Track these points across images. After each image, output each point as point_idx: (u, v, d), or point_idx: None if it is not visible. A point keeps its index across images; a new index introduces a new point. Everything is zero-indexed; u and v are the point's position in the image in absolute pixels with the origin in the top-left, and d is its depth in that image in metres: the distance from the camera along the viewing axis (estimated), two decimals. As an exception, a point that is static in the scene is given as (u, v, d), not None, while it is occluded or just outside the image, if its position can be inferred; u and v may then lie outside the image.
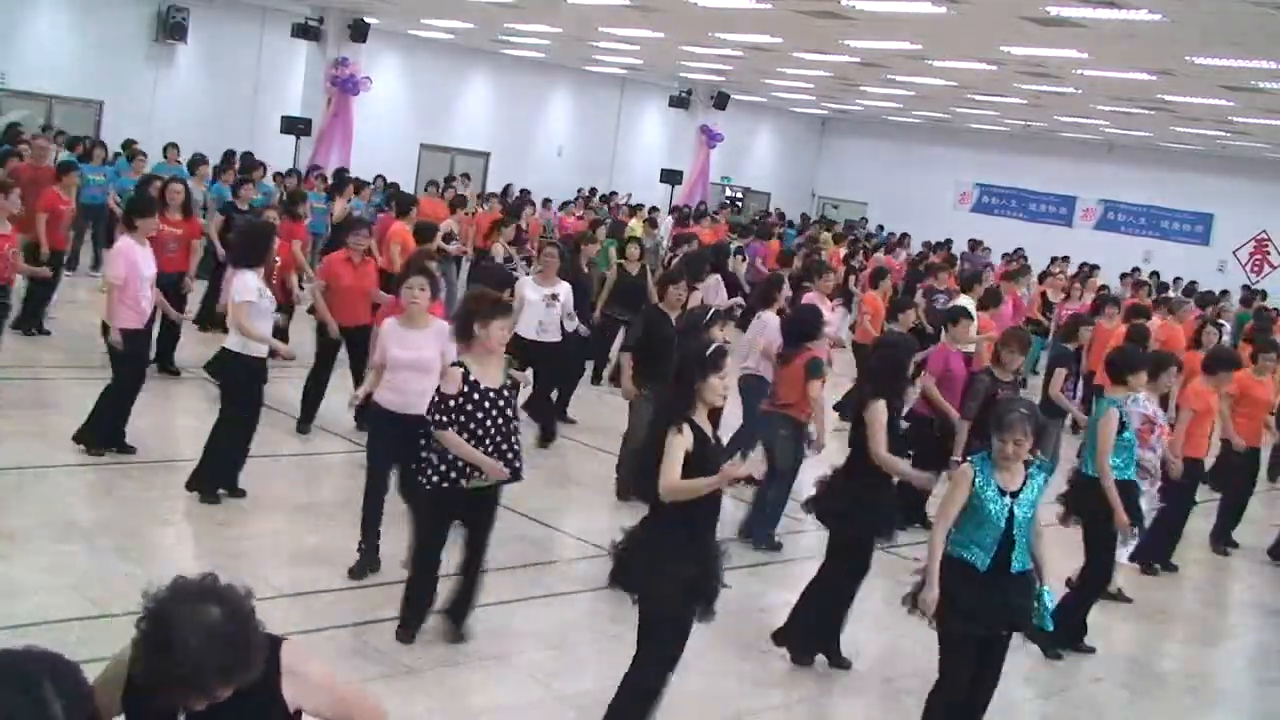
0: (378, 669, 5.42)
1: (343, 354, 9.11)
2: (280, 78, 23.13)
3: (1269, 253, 27.14)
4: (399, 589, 6.10)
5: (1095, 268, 22.27)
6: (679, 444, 4.60)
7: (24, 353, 10.45)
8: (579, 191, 25.66)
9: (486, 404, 5.41)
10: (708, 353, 4.75)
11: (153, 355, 9.14)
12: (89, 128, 20.70)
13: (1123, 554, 7.96)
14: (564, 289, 9.64)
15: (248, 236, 7.67)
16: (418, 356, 6.21)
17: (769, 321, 8.82)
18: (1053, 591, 5.23)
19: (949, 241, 22.69)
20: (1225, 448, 9.46)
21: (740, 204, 31.34)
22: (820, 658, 6.16)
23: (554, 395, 10.28)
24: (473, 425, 5.38)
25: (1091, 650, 6.84)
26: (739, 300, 13.48)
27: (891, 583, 6.40)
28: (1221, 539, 9.58)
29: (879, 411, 5.98)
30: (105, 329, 7.75)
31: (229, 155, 17.68)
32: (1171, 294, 19.01)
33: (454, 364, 5.50)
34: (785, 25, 15.74)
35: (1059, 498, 7.07)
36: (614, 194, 25.63)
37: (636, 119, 30.55)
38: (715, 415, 5.42)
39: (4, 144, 15.38)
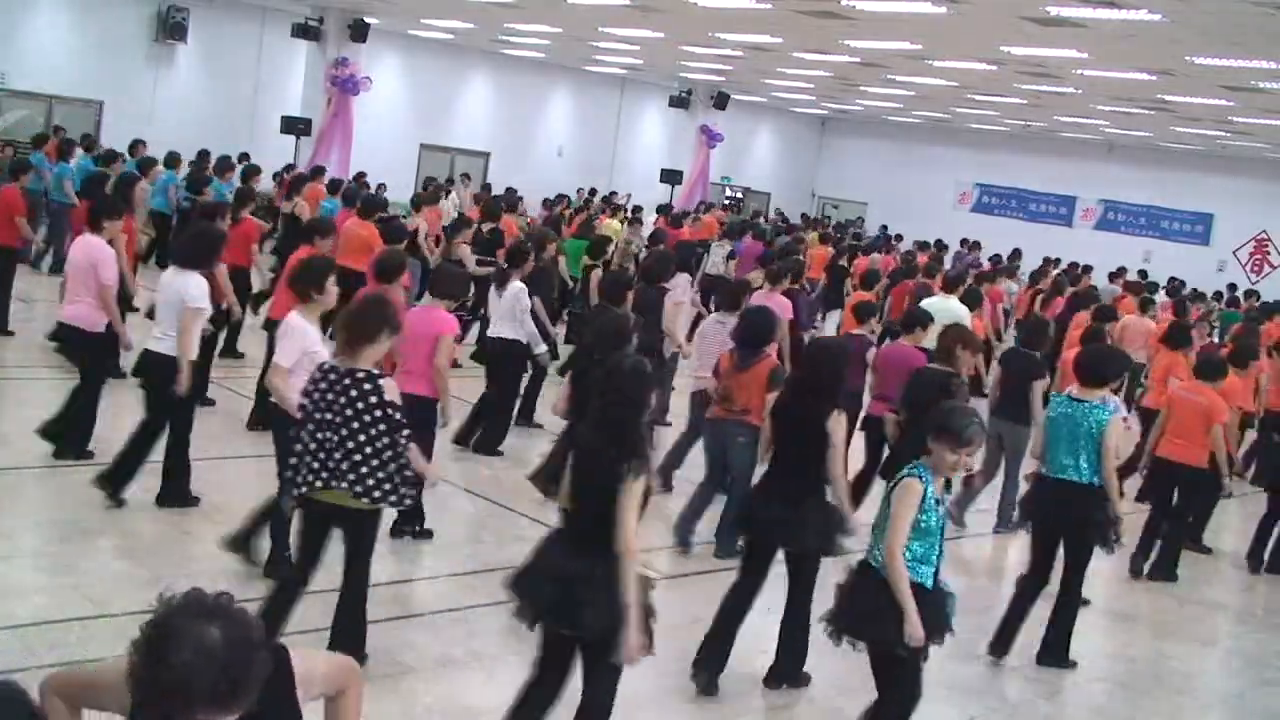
0: (378, 669, 5.42)
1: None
2: (280, 78, 23.14)
3: (1269, 253, 27.15)
4: (399, 589, 6.13)
5: (1088, 268, 22.32)
6: (637, 493, 4.22)
7: (24, 353, 10.46)
8: (578, 191, 25.65)
9: None
10: (647, 367, 4.50)
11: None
12: (89, 128, 20.72)
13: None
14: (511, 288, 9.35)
15: (199, 240, 7.36)
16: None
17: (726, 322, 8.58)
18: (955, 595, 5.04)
19: (939, 241, 22.80)
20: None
21: (741, 204, 31.33)
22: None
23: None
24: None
25: (1074, 665, 6.65)
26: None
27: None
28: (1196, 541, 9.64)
29: (841, 427, 5.67)
30: (69, 333, 7.65)
31: (213, 155, 17.69)
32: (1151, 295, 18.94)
33: (382, 374, 5.11)
34: (785, 25, 15.74)
35: (1021, 504, 7.02)
36: (614, 194, 25.61)
37: (636, 119, 30.55)
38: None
39: None
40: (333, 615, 5.23)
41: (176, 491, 7.10)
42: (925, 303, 11.64)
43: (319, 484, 4.99)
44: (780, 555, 5.87)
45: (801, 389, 5.84)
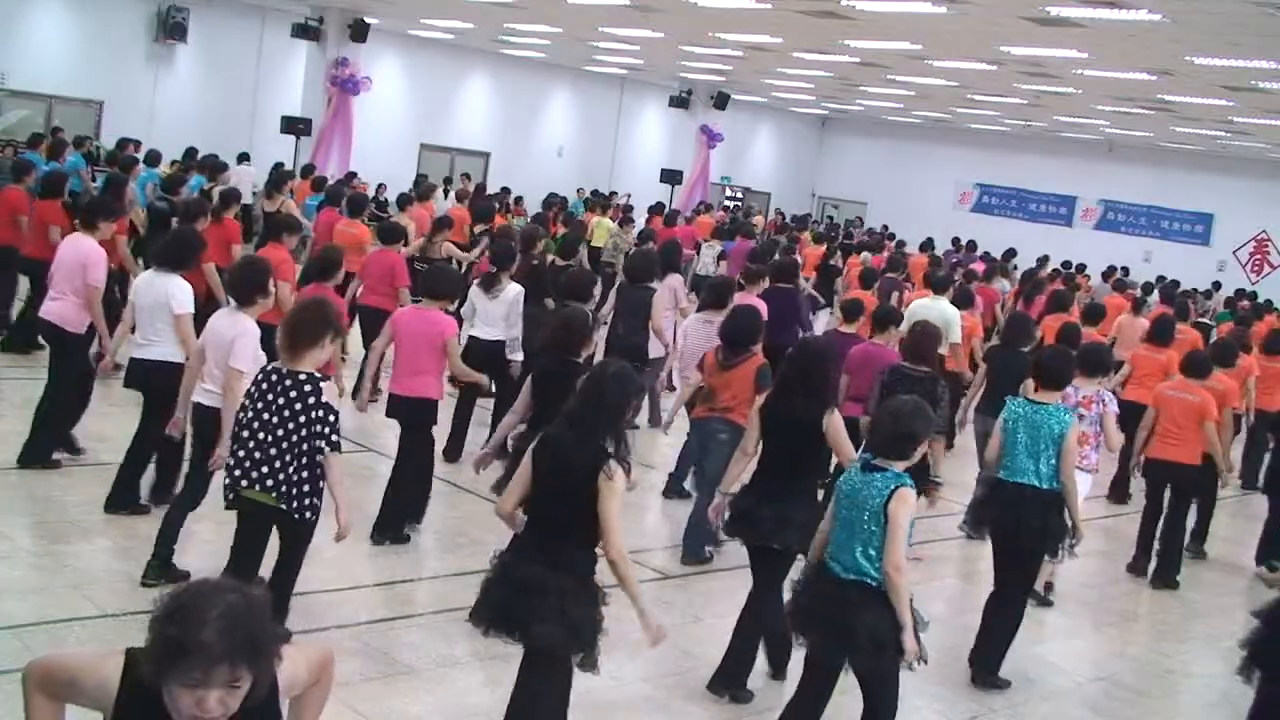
0: (378, 669, 5.43)
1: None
2: (280, 78, 23.14)
3: (1269, 253, 27.15)
4: (399, 589, 6.12)
5: (1081, 267, 22.38)
6: (618, 494, 4.15)
7: (24, 352, 10.46)
8: (578, 191, 25.65)
9: None
10: (631, 373, 4.42)
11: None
12: (89, 128, 20.73)
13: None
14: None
15: (180, 243, 7.11)
16: None
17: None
18: None
19: (927, 241, 22.93)
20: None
21: (741, 207, 31.30)
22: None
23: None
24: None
25: (1007, 685, 6.36)
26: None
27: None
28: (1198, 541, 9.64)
29: (838, 425, 5.68)
30: (65, 338, 7.53)
31: (216, 156, 17.70)
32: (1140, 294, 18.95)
33: (325, 377, 5.09)
34: (785, 25, 15.75)
35: (973, 510, 6.96)
36: (614, 194, 25.62)
37: (636, 119, 30.55)
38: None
39: None
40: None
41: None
42: (915, 304, 11.63)
43: (248, 485, 5.01)
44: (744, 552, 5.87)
45: (791, 389, 5.76)
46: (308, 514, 5.08)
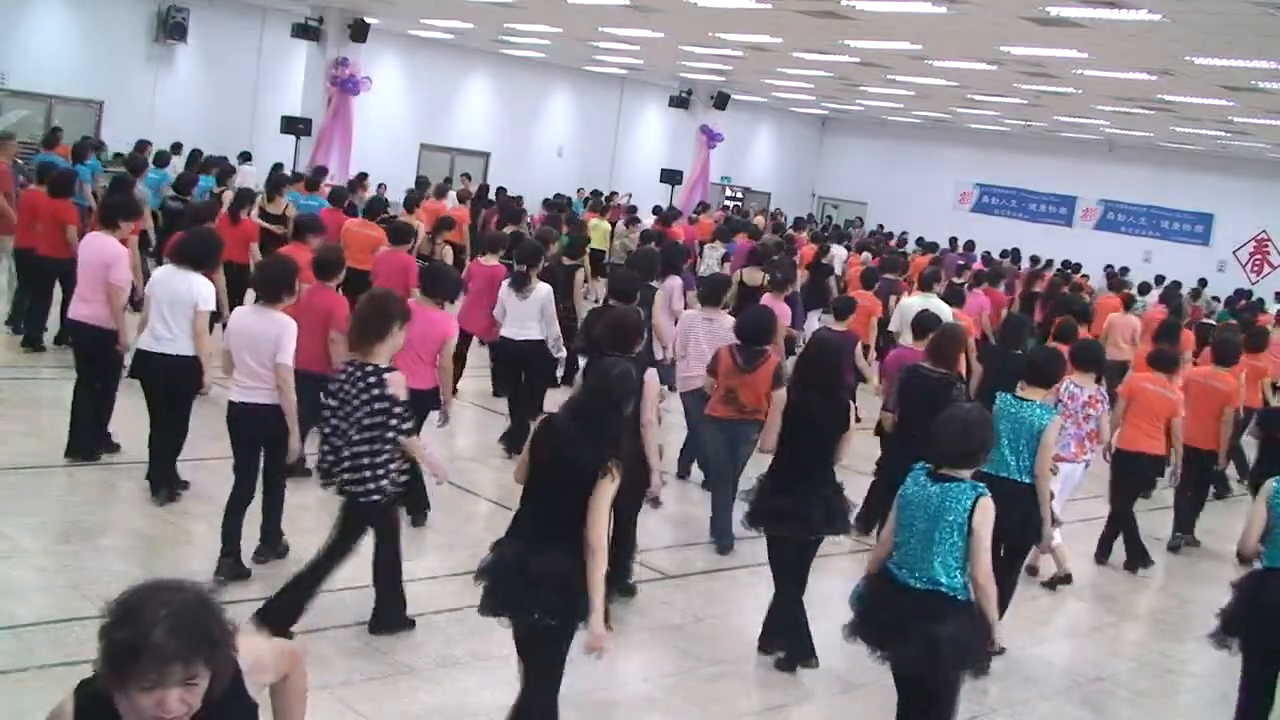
0: (378, 669, 5.43)
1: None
2: (280, 78, 23.14)
3: (1269, 253, 27.15)
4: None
5: (1077, 267, 22.38)
6: (611, 491, 4.25)
7: (23, 354, 10.46)
8: (578, 191, 25.65)
9: None
10: (630, 373, 4.54)
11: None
12: (89, 128, 20.72)
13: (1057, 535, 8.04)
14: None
15: (204, 242, 7.31)
16: None
17: (725, 323, 8.55)
18: None
19: (920, 240, 22.95)
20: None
21: (741, 207, 31.28)
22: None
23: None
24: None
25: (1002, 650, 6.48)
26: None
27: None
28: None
29: (851, 419, 6.00)
30: (93, 336, 7.60)
31: (216, 155, 17.74)
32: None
33: (391, 369, 5.37)
34: (785, 25, 15.75)
35: None
36: (614, 194, 25.62)
37: (636, 119, 30.55)
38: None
39: None
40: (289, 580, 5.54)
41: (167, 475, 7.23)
42: (905, 302, 11.66)
43: (334, 471, 5.37)
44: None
45: (811, 385, 6.00)
46: (375, 497, 5.35)
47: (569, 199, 23.12)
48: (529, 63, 27.36)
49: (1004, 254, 23.68)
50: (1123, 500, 8.77)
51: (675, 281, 10.87)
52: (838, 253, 19.54)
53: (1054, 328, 10.16)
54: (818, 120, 34.86)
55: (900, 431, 7.36)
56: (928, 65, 18.04)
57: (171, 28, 21.77)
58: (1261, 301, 21.24)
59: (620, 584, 6.68)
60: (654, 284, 10.29)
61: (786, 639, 6.05)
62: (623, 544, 6.60)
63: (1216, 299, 22.58)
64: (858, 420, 6.40)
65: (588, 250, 12.96)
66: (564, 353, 9.50)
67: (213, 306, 6.93)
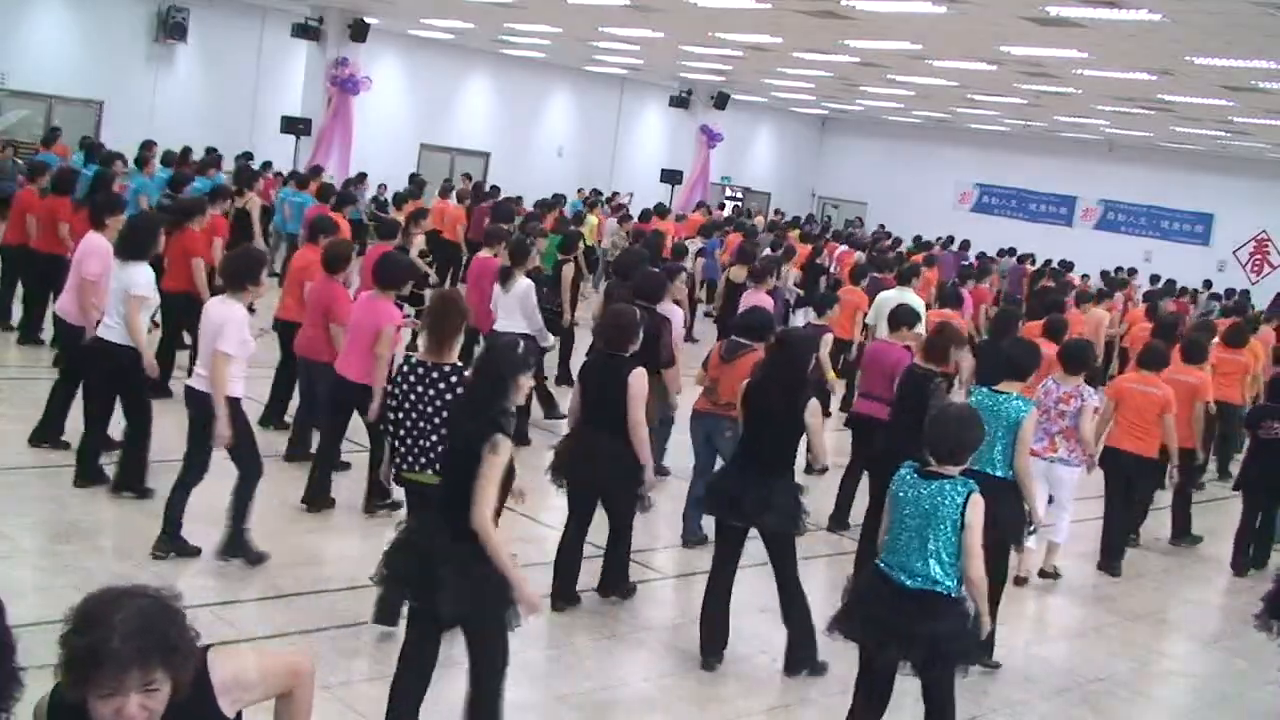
0: (378, 669, 5.42)
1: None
2: (280, 78, 23.15)
3: (1269, 253, 27.15)
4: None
5: (1070, 265, 22.40)
6: (498, 466, 4.21)
7: (23, 353, 10.46)
8: (579, 191, 25.62)
9: None
10: (520, 351, 4.56)
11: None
12: (89, 128, 20.73)
13: (1060, 533, 8.10)
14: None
15: (135, 231, 7.24)
16: None
17: (670, 312, 8.57)
18: None
19: (917, 238, 22.96)
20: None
21: (741, 204, 31.29)
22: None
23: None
24: None
25: (998, 665, 6.52)
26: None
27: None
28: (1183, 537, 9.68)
29: (817, 414, 5.89)
30: (71, 332, 7.65)
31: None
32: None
33: (464, 368, 5.45)
34: (785, 25, 15.75)
35: None
36: (615, 194, 25.59)
37: (636, 119, 30.55)
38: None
39: None
40: None
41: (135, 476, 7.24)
42: (882, 295, 11.66)
43: (407, 468, 5.37)
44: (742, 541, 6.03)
45: (771, 378, 5.93)
46: None
47: (564, 198, 23.13)
48: (529, 63, 27.35)
49: (1001, 252, 23.74)
50: (1108, 499, 8.79)
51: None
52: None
53: (1043, 325, 10.19)
54: (818, 120, 34.86)
55: (891, 429, 7.36)
56: (928, 65, 18.03)
57: (171, 28, 21.78)
58: (1247, 294, 21.40)
59: (620, 585, 6.70)
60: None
61: (794, 643, 5.95)
62: (620, 544, 6.62)
63: (1217, 297, 22.58)
64: (827, 415, 6.41)
65: (581, 246, 12.95)
66: (550, 341, 9.57)
67: (145, 293, 6.93)
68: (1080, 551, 8.74)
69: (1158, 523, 9.75)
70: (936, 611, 4.52)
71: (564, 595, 6.45)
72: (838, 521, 8.51)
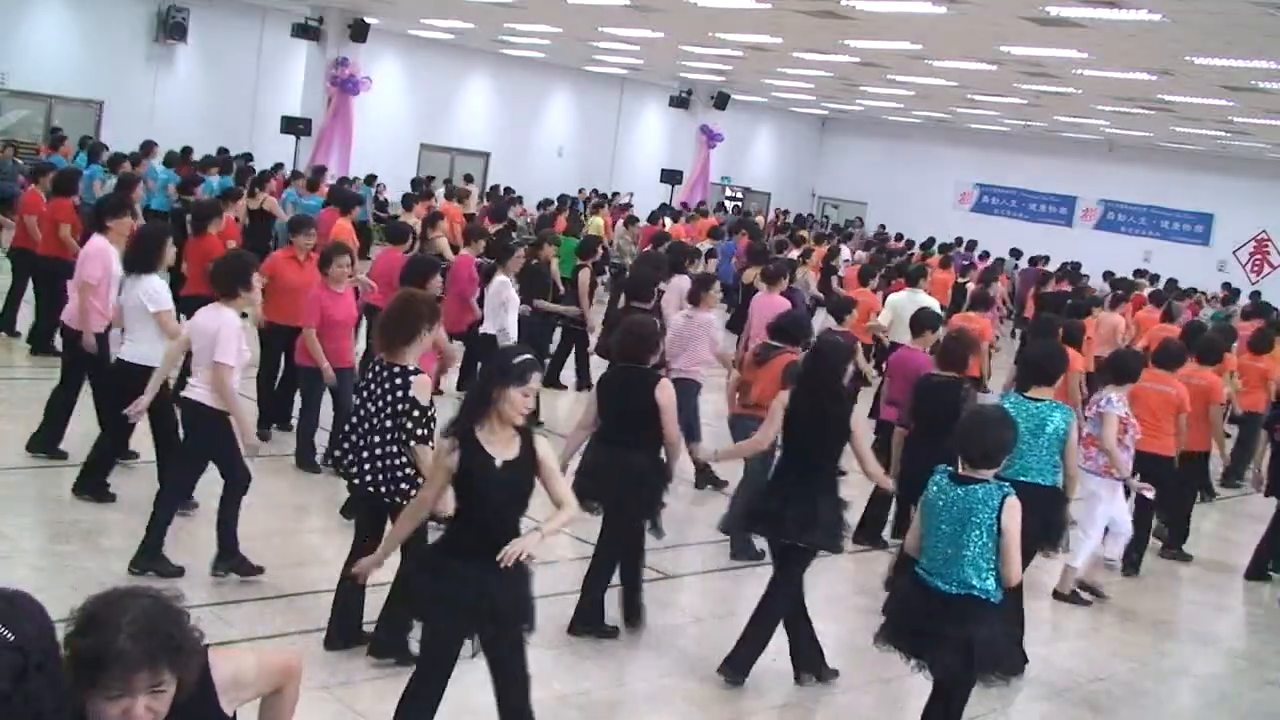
0: (378, 669, 5.42)
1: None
2: (280, 78, 23.14)
3: (1269, 253, 27.15)
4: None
5: (1078, 266, 22.38)
6: (440, 459, 4.20)
7: (30, 356, 10.46)
8: (579, 191, 25.64)
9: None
10: (514, 361, 4.19)
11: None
12: (89, 128, 20.73)
13: (1113, 549, 7.96)
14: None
15: (144, 242, 7.02)
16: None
17: (709, 321, 8.55)
18: None
19: (920, 241, 22.97)
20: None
21: (741, 205, 31.29)
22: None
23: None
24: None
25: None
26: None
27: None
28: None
29: (861, 421, 5.86)
30: (64, 332, 7.53)
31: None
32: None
33: (416, 371, 5.25)
34: (785, 25, 15.75)
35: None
36: (615, 194, 25.61)
37: (636, 119, 30.54)
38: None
39: None
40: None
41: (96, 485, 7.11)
42: (892, 299, 11.65)
43: (352, 469, 5.32)
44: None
45: (810, 386, 5.77)
46: (398, 499, 5.22)
47: (572, 199, 23.15)
48: (529, 63, 27.35)
49: (1013, 253, 23.78)
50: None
51: (684, 280, 10.88)
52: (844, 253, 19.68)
53: (1060, 330, 10.15)
54: (818, 120, 34.85)
55: (913, 437, 7.28)
56: (928, 65, 18.03)
57: (171, 28, 21.78)
58: (1258, 295, 21.31)
59: (635, 614, 6.43)
60: (660, 286, 10.32)
61: (740, 673, 5.80)
62: (634, 570, 6.37)
63: (1215, 296, 22.57)
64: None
65: (600, 252, 12.81)
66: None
67: (166, 306, 6.76)
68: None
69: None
70: (974, 616, 4.52)
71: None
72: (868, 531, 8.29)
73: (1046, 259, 22.95)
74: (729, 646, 5.99)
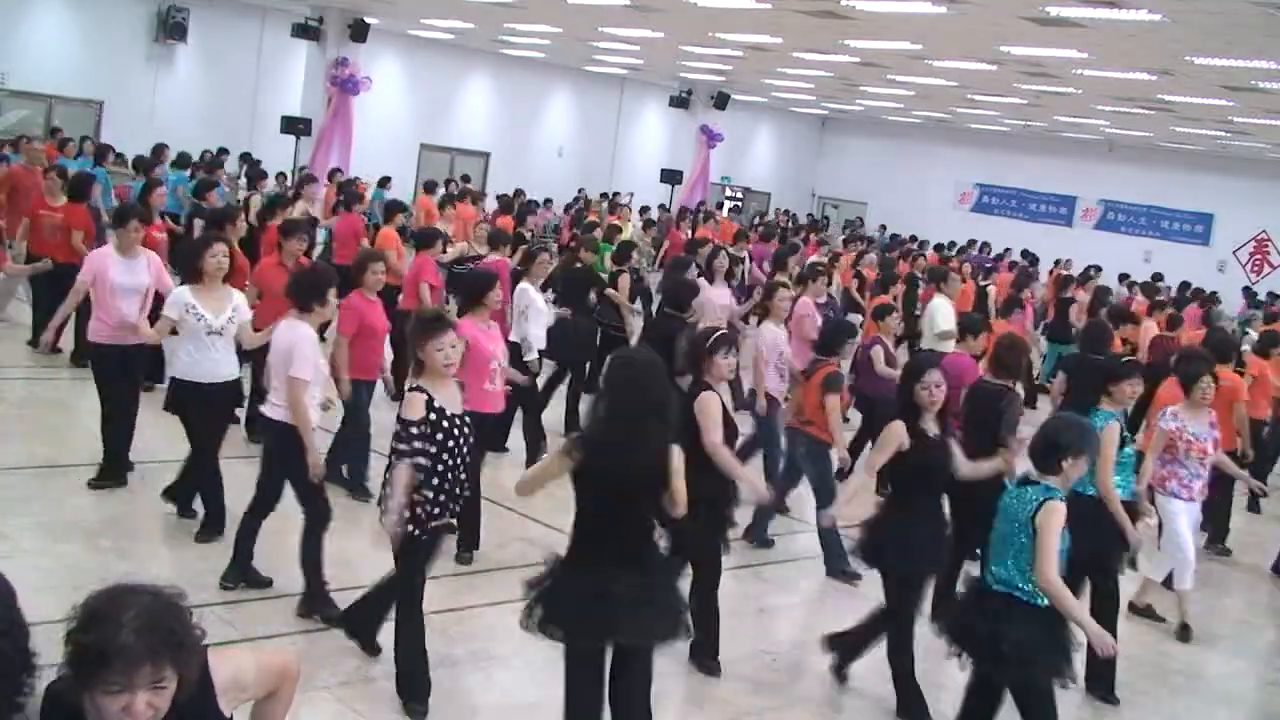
0: (378, 669, 5.42)
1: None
2: (280, 78, 23.14)
3: (1269, 253, 27.15)
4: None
5: (1037, 261, 22.41)
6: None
7: (32, 354, 10.46)
8: (579, 192, 25.63)
9: (455, 432, 4.93)
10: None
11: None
12: (89, 128, 20.72)
13: (1158, 571, 7.66)
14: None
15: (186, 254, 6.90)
16: None
17: (762, 332, 8.47)
18: None
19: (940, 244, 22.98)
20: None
21: (740, 205, 31.30)
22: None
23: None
24: (442, 454, 4.88)
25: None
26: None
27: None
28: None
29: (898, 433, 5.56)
30: (103, 352, 7.37)
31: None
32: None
33: (414, 388, 4.91)
34: (785, 25, 15.75)
35: None
36: (616, 194, 25.61)
37: (636, 119, 30.55)
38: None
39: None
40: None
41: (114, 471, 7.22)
42: (932, 304, 11.61)
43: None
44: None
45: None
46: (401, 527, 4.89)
47: (588, 200, 23.14)
48: (529, 63, 27.36)
49: (1025, 255, 23.81)
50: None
51: (716, 292, 10.80)
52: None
53: (1086, 331, 10.05)
54: (818, 120, 34.86)
55: (964, 445, 7.16)
56: (928, 65, 18.03)
57: (171, 28, 21.78)
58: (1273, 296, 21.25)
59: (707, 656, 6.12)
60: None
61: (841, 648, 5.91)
62: (707, 599, 5.99)
63: (1259, 305, 22.44)
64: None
65: (635, 257, 12.46)
66: (533, 355, 8.80)
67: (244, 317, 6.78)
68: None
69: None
70: (1008, 615, 4.58)
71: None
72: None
73: (1069, 262, 22.84)
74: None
